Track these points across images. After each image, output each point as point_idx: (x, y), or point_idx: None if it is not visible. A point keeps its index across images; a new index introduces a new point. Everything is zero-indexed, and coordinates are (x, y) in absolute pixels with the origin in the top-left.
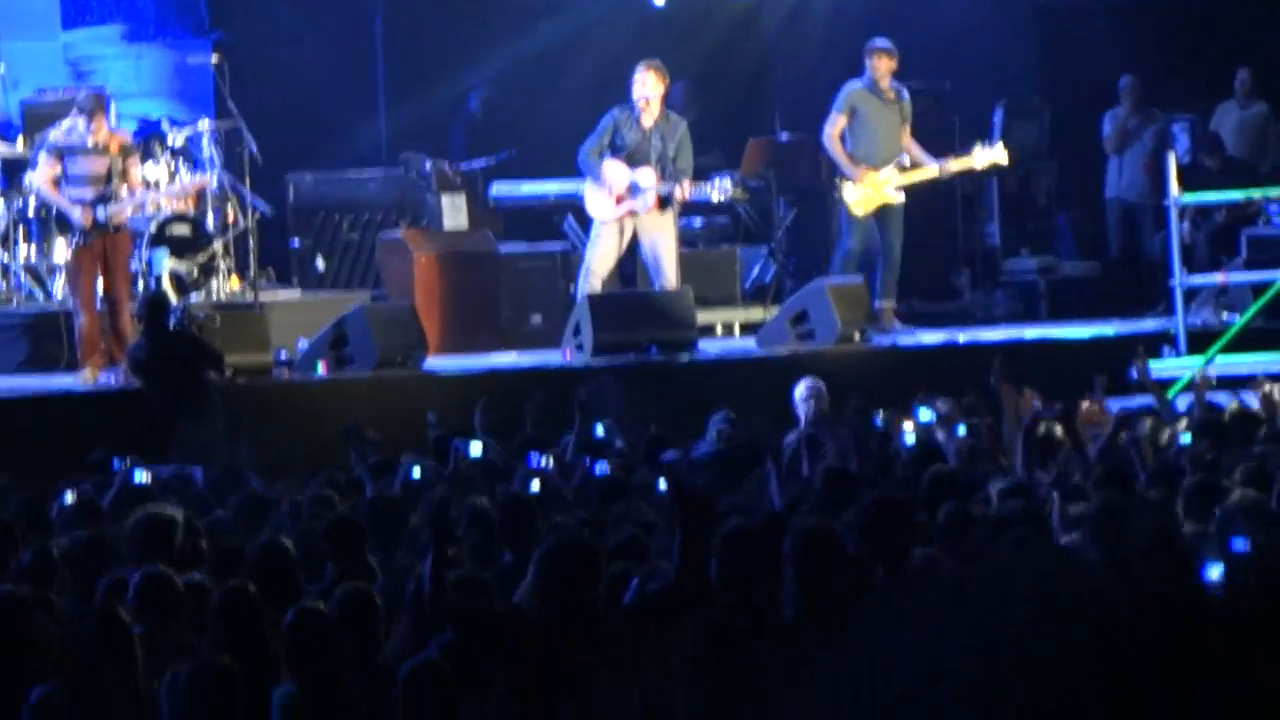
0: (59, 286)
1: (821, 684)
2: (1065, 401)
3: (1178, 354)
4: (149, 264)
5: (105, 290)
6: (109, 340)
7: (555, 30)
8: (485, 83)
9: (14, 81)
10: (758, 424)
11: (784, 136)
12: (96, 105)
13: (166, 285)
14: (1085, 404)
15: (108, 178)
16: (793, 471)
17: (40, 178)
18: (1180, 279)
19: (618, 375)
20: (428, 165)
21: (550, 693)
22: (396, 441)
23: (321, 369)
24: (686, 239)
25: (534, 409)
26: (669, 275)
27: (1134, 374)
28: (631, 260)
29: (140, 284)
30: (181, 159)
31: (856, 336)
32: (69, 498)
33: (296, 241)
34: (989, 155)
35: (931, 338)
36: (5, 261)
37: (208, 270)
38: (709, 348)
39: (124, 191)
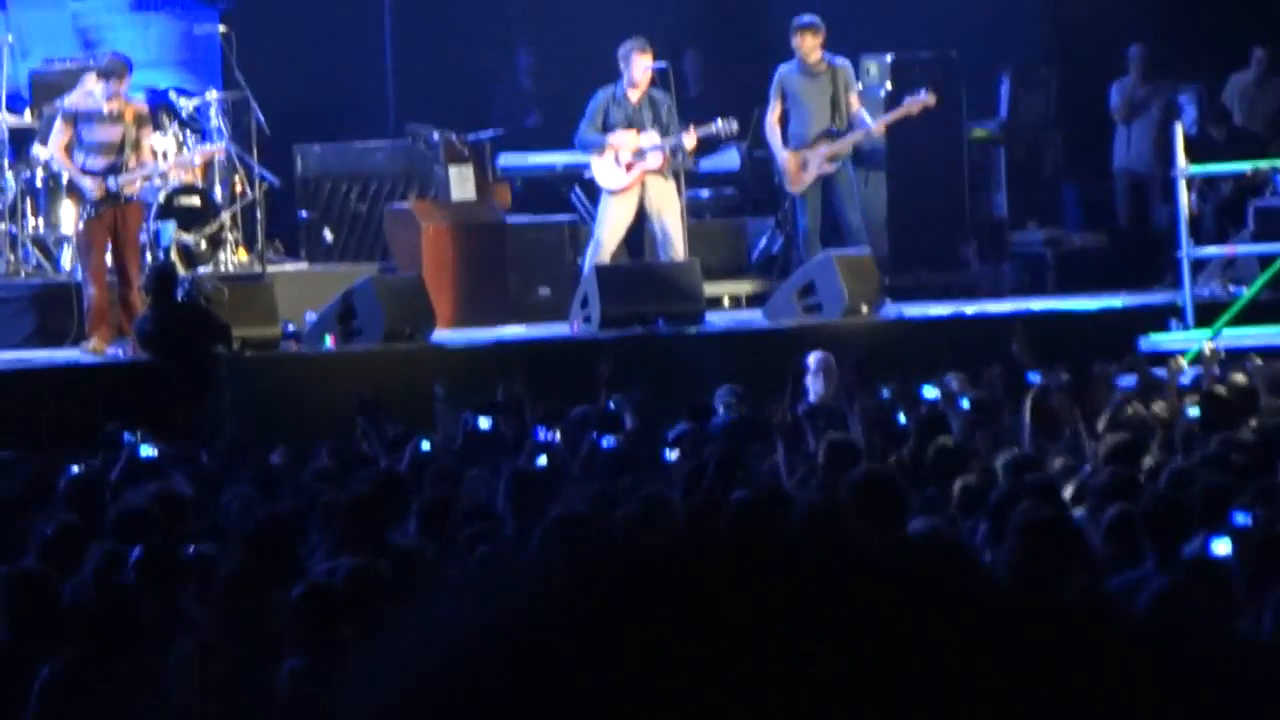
0: (67, 258)
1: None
2: (1072, 374)
3: (1185, 326)
4: (156, 236)
5: (114, 262)
6: (117, 312)
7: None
8: (528, 51)
9: (23, 51)
10: (764, 398)
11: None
12: (119, 69)
13: (174, 257)
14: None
15: (120, 147)
16: (798, 446)
17: (54, 144)
18: (1187, 251)
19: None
20: (435, 136)
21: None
22: (404, 414)
23: (329, 341)
24: (693, 210)
25: (511, 385)
26: (676, 246)
27: (1143, 346)
28: (639, 232)
29: (148, 256)
30: (189, 130)
31: (864, 309)
32: (75, 472)
33: (304, 213)
34: (920, 102)
35: (939, 310)
36: (13, 233)
37: (215, 242)
38: (716, 320)
39: (135, 162)
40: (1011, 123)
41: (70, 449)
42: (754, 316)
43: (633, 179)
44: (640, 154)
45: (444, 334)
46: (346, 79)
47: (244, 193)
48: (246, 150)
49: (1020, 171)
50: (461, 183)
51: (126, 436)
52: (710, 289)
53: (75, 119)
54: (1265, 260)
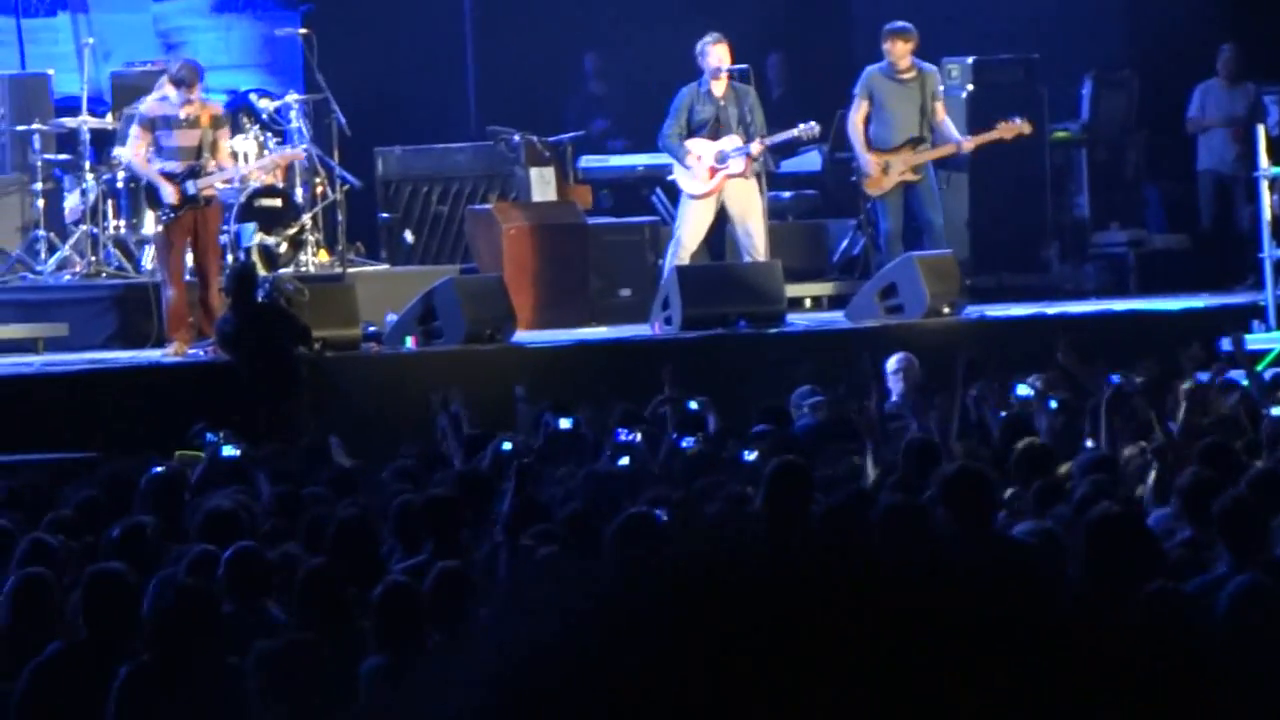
0: (148, 259)
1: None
2: (1154, 375)
3: (1268, 328)
4: (237, 237)
5: (194, 263)
6: (197, 314)
7: (649, 4)
8: (598, 55)
9: (105, 53)
10: (846, 399)
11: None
12: (192, 76)
13: (255, 258)
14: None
15: (198, 151)
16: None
17: (131, 151)
18: (1269, 251)
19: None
20: (516, 138)
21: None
22: (485, 415)
23: (410, 343)
24: (775, 212)
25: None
26: (759, 247)
27: (1225, 347)
28: (720, 234)
29: (229, 257)
30: (270, 132)
31: (946, 309)
32: (156, 472)
33: (385, 215)
34: (1014, 127)
35: (1020, 310)
36: (95, 234)
37: (296, 244)
38: (798, 321)
39: (213, 165)
40: (1093, 124)
41: (152, 450)
42: (835, 317)
43: (715, 184)
44: (723, 159)
45: (525, 335)
46: (427, 81)
47: (325, 194)
48: (327, 152)
49: (1102, 173)
50: (543, 184)
51: (209, 437)
52: (792, 290)
53: (152, 125)
54: None
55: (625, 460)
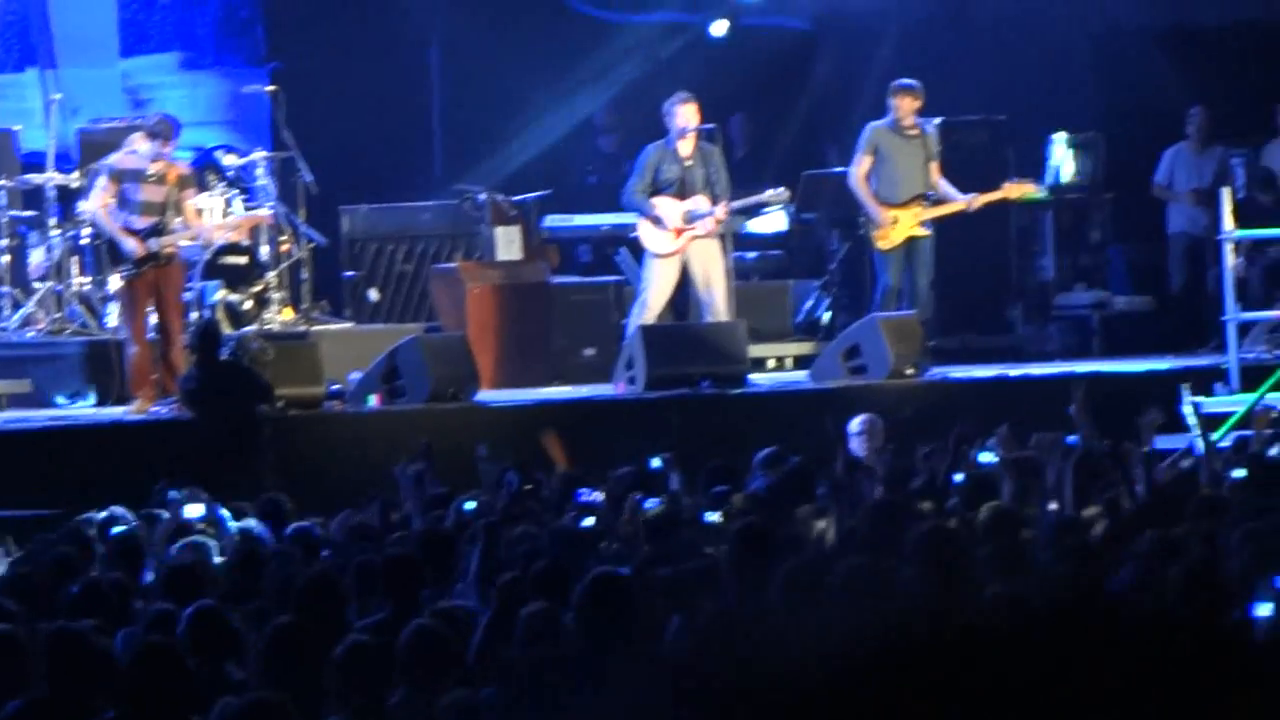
0: (112, 317)
1: None
2: (1117, 437)
3: (1230, 390)
4: (201, 294)
5: (158, 321)
6: (161, 371)
7: (614, 63)
8: (609, 119)
9: (72, 109)
10: (809, 459)
11: (838, 170)
12: (168, 130)
13: (219, 316)
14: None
15: (163, 208)
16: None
17: (95, 202)
18: (1233, 314)
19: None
20: (482, 197)
21: None
22: (448, 474)
23: (374, 401)
24: (739, 272)
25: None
26: (720, 306)
27: (1183, 410)
28: (684, 293)
29: (193, 314)
30: (236, 189)
31: (909, 371)
32: (117, 530)
33: (350, 273)
34: (1019, 188)
35: (984, 372)
36: (59, 290)
37: (261, 301)
38: (761, 381)
39: (177, 223)
40: (1058, 186)
41: (115, 508)
42: (799, 378)
43: (681, 244)
44: (691, 219)
45: (488, 394)
46: (393, 139)
47: (290, 252)
48: (293, 209)
49: (1067, 234)
50: (507, 244)
51: (172, 494)
52: (755, 351)
53: (120, 177)
54: None
55: (589, 520)
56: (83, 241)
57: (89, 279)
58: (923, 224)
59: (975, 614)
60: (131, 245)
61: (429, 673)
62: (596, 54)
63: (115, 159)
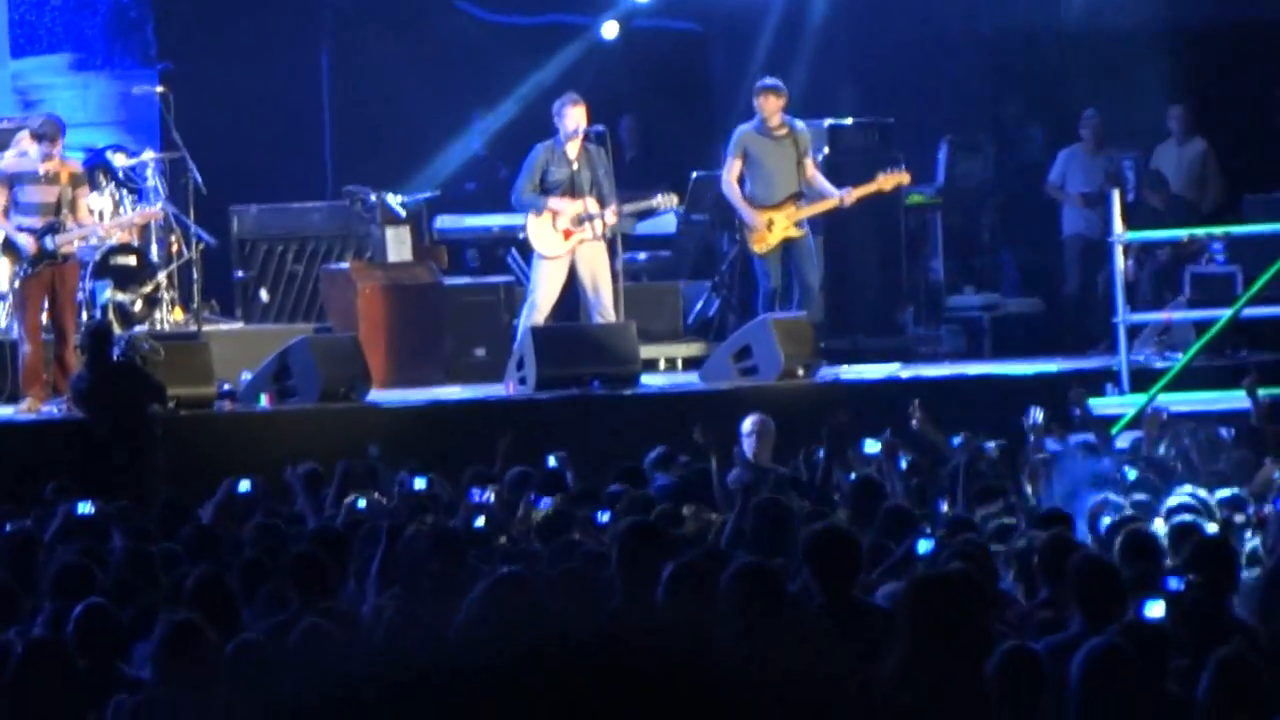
0: (3, 315)
1: None
2: (1007, 439)
3: (1120, 392)
4: (93, 294)
5: (51, 320)
6: (52, 370)
7: (504, 66)
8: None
9: None
10: (701, 459)
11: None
12: (54, 131)
13: (110, 316)
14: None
15: (57, 208)
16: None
17: None
18: (1123, 316)
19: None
20: (371, 197)
21: None
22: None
23: (264, 401)
24: (629, 273)
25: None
26: (607, 306)
27: (1074, 411)
28: (574, 295)
29: (84, 314)
30: (126, 189)
31: (800, 372)
32: (8, 529)
33: (240, 273)
34: (893, 178)
35: (875, 373)
36: None
37: (151, 301)
38: (651, 382)
39: (71, 222)
40: (949, 188)
41: (5, 507)
42: (690, 379)
43: (569, 246)
44: (579, 222)
45: (379, 394)
46: (284, 140)
47: (180, 252)
48: (183, 210)
49: (957, 237)
50: (398, 244)
51: (62, 494)
52: (646, 351)
53: (11, 180)
54: (1201, 326)
55: (480, 520)
56: None
57: None
58: (798, 224)
59: (864, 609)
60: (27, 242)
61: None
62: (486, 56)
63: (5, 162)
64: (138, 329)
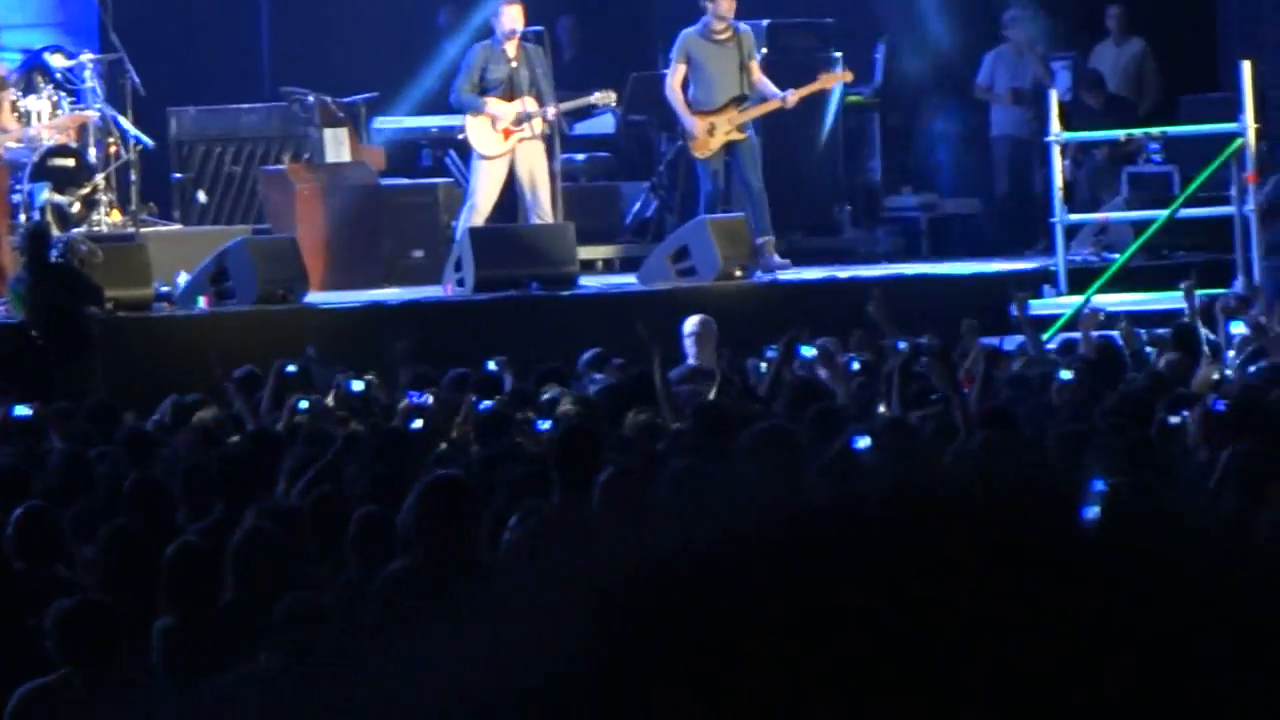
0: None
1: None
2: (943, 339)
3: (1058, 292)
4: (30, 197)
5: None
6: None
7: None
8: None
9: None
10: (639, 361)
11: (666, 71)
12: None
13: (48, 218)
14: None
15: None
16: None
17: None
18: (1061, 217)
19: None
20: (310, 99)
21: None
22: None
23: (202, 303)
24: (567, 174)
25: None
26: (546, 209)
27: (1013, 312)
28: (512, 196)
29: (21, 217)
30: (64, 91)
31: (738, 273)
32: None
33: (178, 175)
34: (835, 77)
35: (813, 274)
36: None
37: (89, 203)
38: (590, 283)
39: None
40: (886, 88)
41: None
42: (628, 280)
43: (509, 146)
44: (518, 121)
45: (317, 296)
46: (222, 41)
47: (118, 154)
48: (121, 112)
49: (894, 137)
50: (336, 146)
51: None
52: (584, 253)
53: None
54: (1139, 227)
55: (418, 423)
56: None
57: None
58: (740, 127)
59: (805, 510)
60: None
61: (262, 574)
62: None
63: None
64: (75, 231)
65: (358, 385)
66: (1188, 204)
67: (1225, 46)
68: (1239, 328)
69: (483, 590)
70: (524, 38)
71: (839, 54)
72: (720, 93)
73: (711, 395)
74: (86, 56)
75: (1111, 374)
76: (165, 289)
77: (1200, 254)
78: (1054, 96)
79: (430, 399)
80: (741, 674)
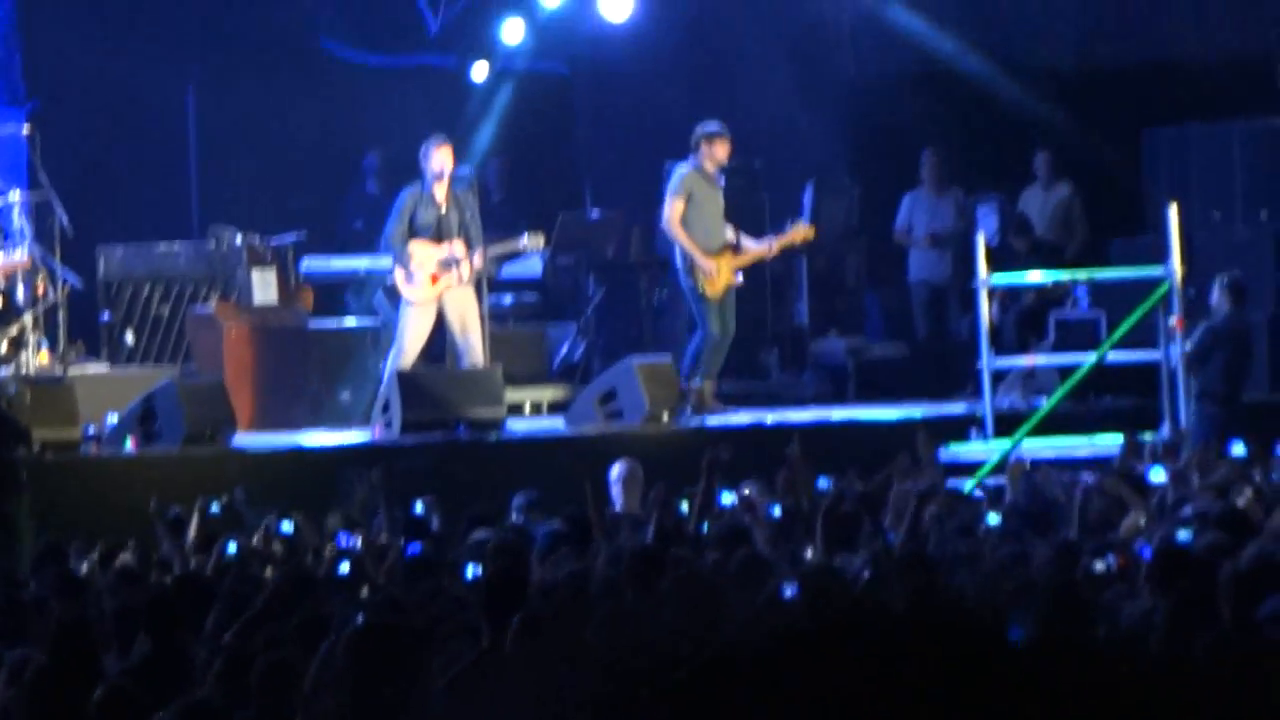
0: None
1: None
2: (870, 483)
3: (985, 437)
4: None
5: None
6: None
7: (375, 106)
8: (379, 160)
9: None
10: (566, 504)
11: (594, 213)
12: None
13: None
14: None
15: None
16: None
17: None
18: (988, 361)
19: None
20: (238, 239)
21: None
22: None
23: (130, 444)
24: (495, 316)
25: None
26: (476, 353)
27: (920, 458)
28: (440, 338)
29: None
30: None
31: (665, 416)
32: None
33: (106, 315)
34: (803, 231)
35: (740, 418)
36: None
37: (17, 344)
38: (517, 426)
39: None
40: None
41: None
42: (556, 423)
43: (436, 291)
44: (447, 265)
45: (245, 437)
46: (150, 180)
47: (46, 294)
48: (49, 251)
49: (822, 280)
50: (264, 287)
51: None
52: (512, 395)
53: None
54: (1065, 371)
55: (345, 566)
56: None
57: None
58: (734, 272)
59: (727, 645)
60: None
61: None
62: (354, 98)
63: None
64: (2, 372)
65: (287, 526)
66: (1115, 348)
67: (1151, 189)
68: (1159, 474)
69: None
70: (453, 179)
71: (765, 196)
72: (716, 237)
73: (649, 538)
74: (15, 196)
75: (1039, 519)
76: (93, 430)
77: (1128, 398)
78: (981, 240)
79: (359, 541)
80: None
